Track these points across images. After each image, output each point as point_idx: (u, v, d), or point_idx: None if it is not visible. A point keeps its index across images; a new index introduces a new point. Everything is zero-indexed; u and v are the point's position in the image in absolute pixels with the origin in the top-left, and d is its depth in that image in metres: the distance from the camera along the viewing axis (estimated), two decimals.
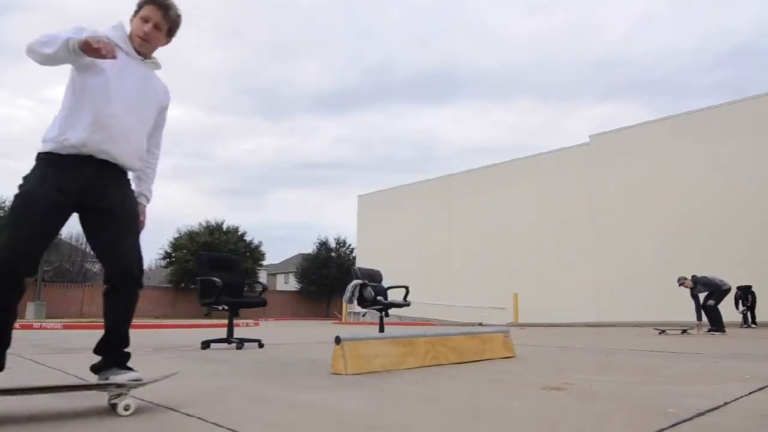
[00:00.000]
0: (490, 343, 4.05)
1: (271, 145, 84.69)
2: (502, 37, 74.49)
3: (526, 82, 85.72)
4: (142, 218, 2.27)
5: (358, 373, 2.93)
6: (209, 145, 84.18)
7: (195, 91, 76.70)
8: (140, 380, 1.97)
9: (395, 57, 78.47)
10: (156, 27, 2.17)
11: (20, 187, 1.96)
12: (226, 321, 5.58)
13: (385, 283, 6.93)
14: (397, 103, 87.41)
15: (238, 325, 8.74)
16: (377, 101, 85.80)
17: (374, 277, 6.80)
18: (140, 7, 2.18)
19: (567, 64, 76.35)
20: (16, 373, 3.18)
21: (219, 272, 5.37)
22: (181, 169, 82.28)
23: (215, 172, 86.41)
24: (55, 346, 5.53)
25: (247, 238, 31.33)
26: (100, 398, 2.24)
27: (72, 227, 53.13)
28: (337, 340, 3.04)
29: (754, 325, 12.01)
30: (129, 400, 1.86)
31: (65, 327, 11.12)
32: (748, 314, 12.20)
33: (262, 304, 5.70)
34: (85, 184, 2.00)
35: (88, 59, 1.94)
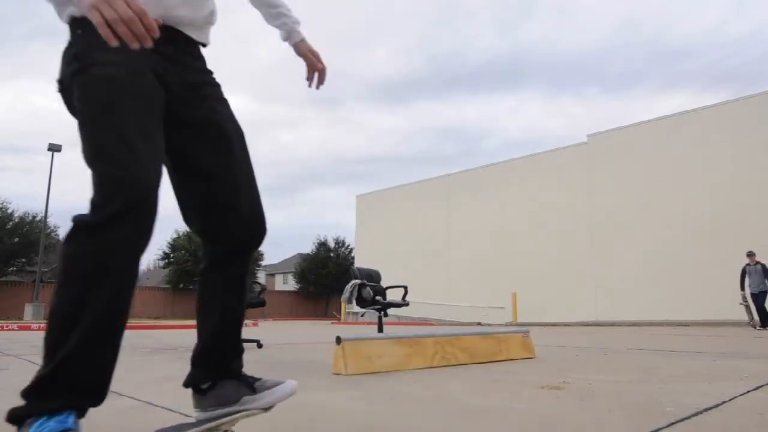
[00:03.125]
0: (506, 343, 3.88)
1: (314, 138, 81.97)
2: (588, 20, 70.37)
3: (601, 70, 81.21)
4: (320, 66, 1.65)
5: (360, 374, 2.92)
6: (251, 137, 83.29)
7: (251, 78, 74.15)
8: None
9: (469, 42, 75.06)
10: None
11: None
12: None
13: (383, 283, 6.92)
14: (457, 92, 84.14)
15: None
16: (437, 90, 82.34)
17: (373, 277, 6.79)
18: None
19: (645, 51, 72.96)
20: (13, 374, 3.18)
21: None
22: None
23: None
24: None
25: None
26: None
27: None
28: (338, 340, 3.04)
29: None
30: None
31: None
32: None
33: (261, 304, 5.70)
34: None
35: None
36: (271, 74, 73.67)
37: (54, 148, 22.78)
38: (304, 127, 79.59)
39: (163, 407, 1.99)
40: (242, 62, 72.45)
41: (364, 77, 73.00)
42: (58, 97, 1.23)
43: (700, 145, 16.50)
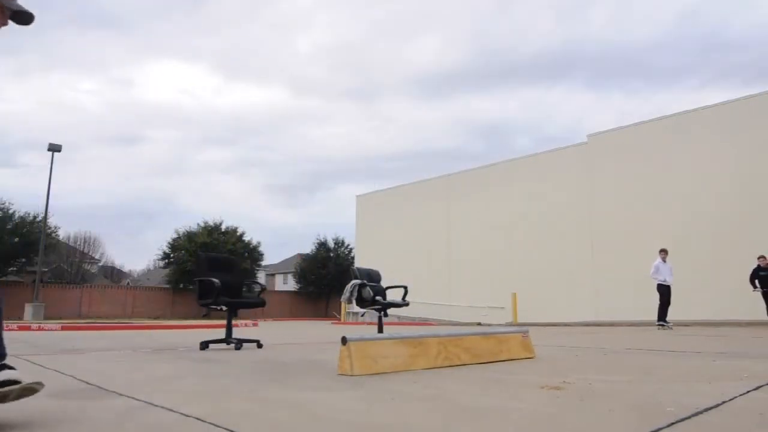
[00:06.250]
0: (507, 343, 3.89)
1: (345, 134, 79.10)
2: (646, 12, 67.18)
3: (659, 64, 76.84)
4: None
5: (365, 374, 2.90)
6: (277, 134, 78.99)
7: (289, 69, 71.46)
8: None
9: (521, 34, 71.78)
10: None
11: None
12: (224, 321, 5.57)
13: (383, 283, 6.93)
14: (495, 86, 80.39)
15: (236, 326, 8.73)
16: (481, 84, 79.08)
17: (373, 277, 6.80)
18: None
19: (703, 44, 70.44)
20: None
21: (218, 273, 5.37)
22: (241, 161, 78.93)
23: (273, 165, 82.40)
24: (52, 347, 5.52)
25: (246, 238, 31.36)
26: (100, 399, 2.24)
27: (70, 228, 52.99)
28: (344, 341, 3.01)
29: None
30: None
31: (63, 328, 11.10)
32: None
33: (261, 304, 5.70)
34: None
35: None
36: (309, 65, 70.62)
37: (54, 148, 22.79)
38: (334, 122, 77.50)
39: (162, 407, 1.99)
40: (280, 52, 70.20)
41: (405, 69, 70.31)
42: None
43: (700, 144, 16.49)
